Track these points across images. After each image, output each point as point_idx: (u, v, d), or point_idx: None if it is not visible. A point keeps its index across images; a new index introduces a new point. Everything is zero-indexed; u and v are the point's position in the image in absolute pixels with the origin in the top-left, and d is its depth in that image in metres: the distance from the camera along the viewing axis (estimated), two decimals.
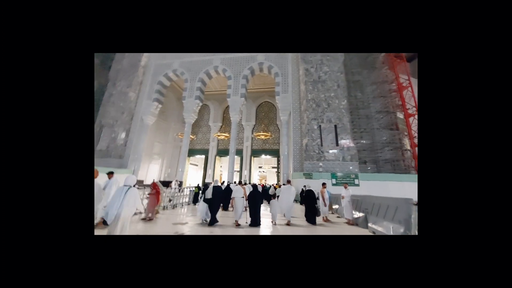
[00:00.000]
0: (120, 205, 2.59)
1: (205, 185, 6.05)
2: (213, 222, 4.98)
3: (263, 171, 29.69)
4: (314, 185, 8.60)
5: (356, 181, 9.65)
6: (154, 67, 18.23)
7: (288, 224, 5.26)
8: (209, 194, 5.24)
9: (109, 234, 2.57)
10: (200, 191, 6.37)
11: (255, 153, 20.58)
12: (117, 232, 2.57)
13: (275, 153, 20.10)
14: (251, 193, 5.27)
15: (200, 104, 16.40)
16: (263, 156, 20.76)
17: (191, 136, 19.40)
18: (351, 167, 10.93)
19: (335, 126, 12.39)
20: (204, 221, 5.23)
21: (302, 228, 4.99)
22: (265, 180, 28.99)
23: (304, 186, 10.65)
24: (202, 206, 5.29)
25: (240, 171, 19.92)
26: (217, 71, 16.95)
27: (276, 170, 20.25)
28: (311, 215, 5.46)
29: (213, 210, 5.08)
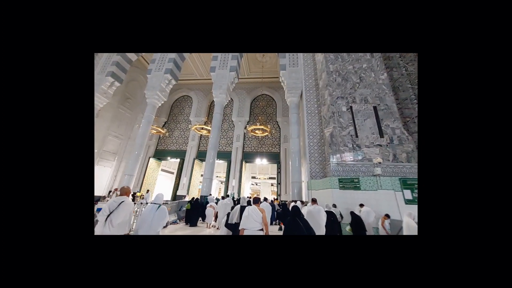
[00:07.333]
0: (151, 223, 2.88)
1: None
2: None
3: (256, 183, 24.31)
4: (369, 203, 3.77)
5: None
6: None
7: None
8: (234, 217, 3.90)
9: None
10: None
11: (248, 156, 15.53)
12: None
13: (275, 157, 15.16)
14: (289, 221, 2.86)
15: (172, 80, 11.58)
16: (257, 161, 15.71)
17: (160, 129, 14.22)
18: (407, 171, 6.26)
19: (375, 107, 7.93)
20: None
21: None
22: (257, 195, 23.57)
23: (334, 205, 5.78)
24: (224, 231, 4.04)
25: (226, 181, 14.64)
26: None
27: (276, 181, 15.04)
28: None
29: None
